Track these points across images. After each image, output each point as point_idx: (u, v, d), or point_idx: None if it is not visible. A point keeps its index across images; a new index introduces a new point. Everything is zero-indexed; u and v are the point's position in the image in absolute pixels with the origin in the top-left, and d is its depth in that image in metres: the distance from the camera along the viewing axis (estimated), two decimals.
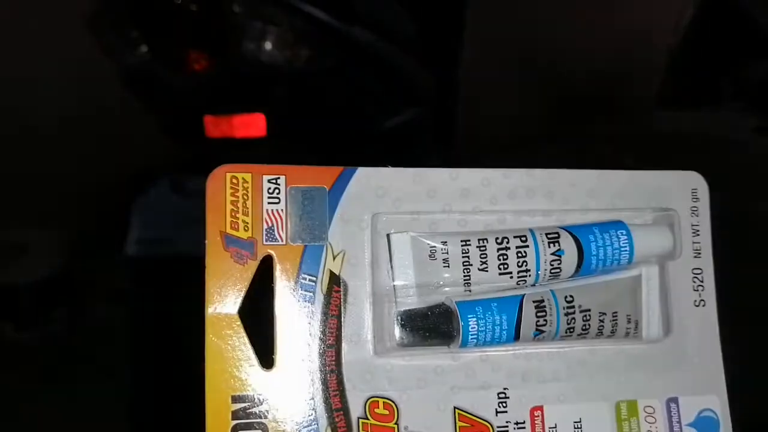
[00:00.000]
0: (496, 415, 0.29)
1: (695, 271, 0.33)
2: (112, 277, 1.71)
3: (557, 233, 0.30)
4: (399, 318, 0.28)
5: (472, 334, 0.28)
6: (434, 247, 0.28)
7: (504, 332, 0.28)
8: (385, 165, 0.32)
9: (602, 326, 0.30)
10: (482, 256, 0.28)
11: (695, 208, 0.35)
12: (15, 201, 1.73)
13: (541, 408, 0.29)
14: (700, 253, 0.34)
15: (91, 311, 1.71)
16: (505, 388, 0.29)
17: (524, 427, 0.29)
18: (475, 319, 0.28)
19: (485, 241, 0.29)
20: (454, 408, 0.28)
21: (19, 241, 1.64)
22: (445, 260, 0.28)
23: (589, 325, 0.30)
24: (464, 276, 0.28)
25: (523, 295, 0.29)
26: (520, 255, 0.29)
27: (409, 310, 0.28)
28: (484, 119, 2.59)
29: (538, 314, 0.29)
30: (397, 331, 0.28)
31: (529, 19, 2.74)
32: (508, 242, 0.29)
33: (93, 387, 1.43)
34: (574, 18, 2.99)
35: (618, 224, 0.31)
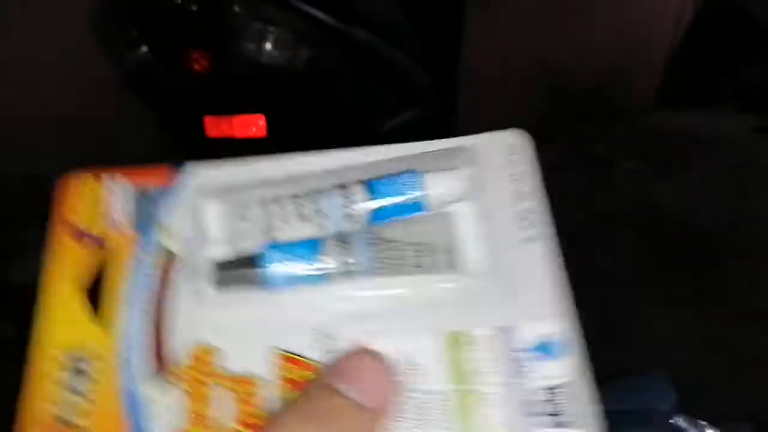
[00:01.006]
0: (323, 356, 0.30)
1: (521, 213, 0.34)
2: None
3: (344, 183, 0.32)
4: (212, 267, 0.31)
5: (274, 264, 0.30)
6: (238, 208, 0.32)
7: (307, 262, 0.30)
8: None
9: (420, 259, 0.31)
10: (281, 211, 0.31)
11: (513, 160, 0.37)
12: (15, 201, 1.73)
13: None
14: (525, 199, 0.35)
15: None
16: (328, 329, 0.30)
17: None
18: (275, 252, 0.30)
19: (281, 199, 0.32)
20: (277, 350, 0.29)
21: (19, 241, 1.64)
22: (247, 217, 0.32)
23: (403, 256, 0.31)
24: (267, 230, 0.31)
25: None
26: (311, 201, 0.31)
27: (219, 260, 0.31)
28: (484, 119, 2.57)
29: (341, 245, 0.30)
30: (214, 278, 0.31)
31: (528, 19, 2.74)
32: (301, 196, 0.32)
33: None
34: (573, 18, 3.00)
35: (408, 171, 0.33)
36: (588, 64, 3.36)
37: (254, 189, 0.33)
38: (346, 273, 0.30)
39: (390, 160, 0.34)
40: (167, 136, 1.04)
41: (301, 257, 0.30)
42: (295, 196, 0.32)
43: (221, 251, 0.32)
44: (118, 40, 0.94)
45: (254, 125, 0.94)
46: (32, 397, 0.30)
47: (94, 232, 0.32)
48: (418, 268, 0.31)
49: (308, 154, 0.34)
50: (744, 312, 0.67)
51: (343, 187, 0.32)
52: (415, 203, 0.32)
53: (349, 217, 0.31)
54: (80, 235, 0.32)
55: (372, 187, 0.32)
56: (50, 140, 1.69)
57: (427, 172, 0.33)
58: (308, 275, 0.30)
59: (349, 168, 0.33)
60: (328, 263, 0.30)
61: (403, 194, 0.32)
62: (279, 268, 0.30)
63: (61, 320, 0.30)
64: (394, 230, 0.32)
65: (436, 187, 0.32)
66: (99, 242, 0.32)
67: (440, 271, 0.31)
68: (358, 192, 0.32)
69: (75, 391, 0.30)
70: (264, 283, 0.30)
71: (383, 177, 0.32)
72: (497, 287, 0.31)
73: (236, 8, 0.86)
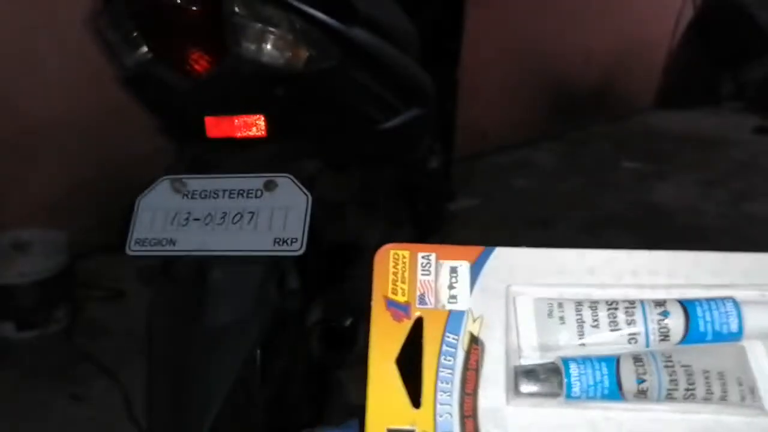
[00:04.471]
0: None
1: None
2: (112, 277, 1.72)
3: (664, 300, 0.32)
4: (516, 373, 0.32)
5: (573, 377, 0.31)
6: (552, 305, 0.33)
7: (605, 378, 0.31)
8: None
9: (710, 387, 0.31)
10: (594, 315, 0.32)
11: None
12: (15, 201, 1.73)
13: None
14: None
15: (91, 311, 1.72)
16: None
17: None
18: (575, 365, 0.31)
19: (596, 303, 0.32)
20: None
21: (19, 241, 1.65)
22: (561, 318, 0.32)
23: (694, 381, 0.31)
24: (578, 333, 0.32)
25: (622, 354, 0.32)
26: (628, 314, 0.32)
27: (523, 365, 0.32)
28: (484, 119, 2.58)
29: (636, 364, 0.31)
30: (518, 384, 0.32)
31: (528, 21, 2.73)
32: (617, 304, 0.32)
33: (93, 386, 1.43)
34: (573, 18, 2.98)
35: (727, 298, 0.32)
36: (588, 64, 3.35)
37: (563, 285, 0.34)
38: (640, 392, 0.31)
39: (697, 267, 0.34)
40: (167, 136, 1.04)
41: (600, 372, 0.31)
42: (611, 304, 0.32)
43: (528, 349, 0.33)
44: (118, 40, 0.94)
45: (254, 125, 0.94)
46: None
47: (407, 304, 0.33)
48: (710, 395, 0.31)
49: (610, 251, 0.34)
50: None
51: (661, 304, 0.32)
52: (729, 333, 0.32)
53: (661, 335, 0.32)
54: (398, 310, 0.33)
55: (690, 308, 0.32)
56: (50, 140, 1.69)
57: (747, 303, 0.32)
58: (604, 390, 0.31)
59: (653, 272, 0.34)
60: (625, 382, 0.31)
61: (720, 322, 0.32)
62: (578, 380, 0.31)
63: (385, 401, 0.32)
64: (688, 354, 0.32)
65: (755, 320, 0.32)
66: (410, 315, 0.33)
67: (735, 404, 0.31)
68: (675, 312, 0.32)
69: None
70: (563, 392, 0.31)
71: (702, 301, 0.32)
72: None
73: (236, 8, 0.86)
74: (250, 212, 0.90)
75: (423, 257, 0.34)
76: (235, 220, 0.91)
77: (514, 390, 0.31)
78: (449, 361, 0.31)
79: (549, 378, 0.31)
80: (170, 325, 0.87)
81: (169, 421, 0.81)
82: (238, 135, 0.95)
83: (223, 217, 0.91)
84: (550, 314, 0.32)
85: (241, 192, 0.92)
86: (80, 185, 1.74)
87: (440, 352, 0.32)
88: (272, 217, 0.90)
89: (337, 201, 1.06)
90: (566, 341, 0.32)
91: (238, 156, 0.96)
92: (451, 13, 1.58)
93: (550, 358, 0.32)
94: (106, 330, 1.53)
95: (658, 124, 3.23)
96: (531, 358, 0.32)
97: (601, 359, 0.31)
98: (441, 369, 0.31)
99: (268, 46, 0.88)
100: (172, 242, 0.90)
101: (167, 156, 1.01)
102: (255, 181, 0.92)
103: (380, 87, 1.04)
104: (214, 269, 0.91)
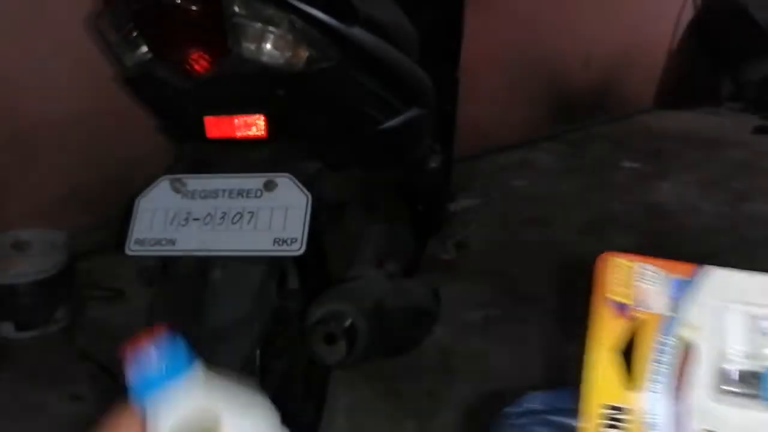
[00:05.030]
0: None
1: None
2: (112, 277, 1.72)
3: None
4: (722, 375, 0.36)
5: None
6: (756, 319, 0.36)
7: None
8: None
9: None
10: None
11: None
12: (15, 201, 1.73)
13: None
14: None
15: (91, 311, 1.71)
16: None
17: None
18: None
19: None
20: None
21: (19, 241, 1.65)
22: (764, 332, 0.36)
23: None
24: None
25: None
26: None
27: (728, 369, 0.36)
28: (483, 119, 2.58)
29: None
30: (723, 385, 0.36)
31: (528, 21, 2.73)
32: None
33: (93, 386, 1.43)
34: (573, 19, 2.98)
35: None
36: (588, 64, 3.34)
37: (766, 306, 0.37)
38: None
39: None
40: (167, 136, 1.04)
41: None
42: None
43: (734, 356, 0.36)
44: (118, 41, 0.94)
45: (254, 125, 0.94)
46: None
47: (628, 306, 0.38)
48: None
49: None
50: None
51: None
52: None
53: None
54: (618, 308, 0.38)
55: None
56: (50, 140, 1.69)
57: None
58: None
59: None
60: None
61: None
62: None
63: (603, 381, 0.37)
64: None
65: None
66: (631, 316, 0.37)
67: None
68: None
69: None
70: (762, 398, 0.35)
71: None
72: None
73: (236, 8, 0.86)
74: (249, 212, 0.90)
75: (641, 267, 0.39)
76: (234, 220, 0.91)
77: (718, 389, 0.35)
78: (663, 357, 0.36)
79: (751, 383, 0.35)
80: (170, 324, 0.87)
81: None
82: (238, 135, 0.95)
83: (222, 217, 0.91)
84: (754, 328, 0.36)
85: (241, 192, 0.92)
86: (80, 185, 1.74)
87: (655, 349, 0.36)
88: (272, 217, 0.90)
89: (337, 201, 1.06)
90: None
91: (238, 156, 0.96)
92: (451, 13, 1.58)
93: (754, 366, 0.36)
94: (106, 330, 1.52)
95: (658, 124, 3.22)
96: (737, 363, 0.36)
97: None
98: (654, 364, 0.36)
99: (268, 46, 0.88)
100: (171, 242, 0.90)
101: (167, 156, 1.01)
102: (255, 181, 0.92)
103: (380, 87, 1.04)
104: (214, 269, 0.91)
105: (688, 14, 3.42)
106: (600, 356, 0.37)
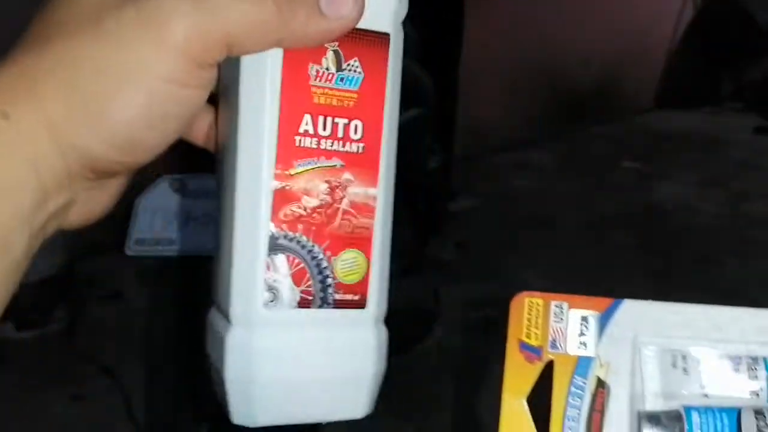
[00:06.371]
0: None
1: None
2: (112, 277, 1.72)
3: None
4: (640, 417, 0.34)
5: (695, 425, 0.33)
6: (676, 356, 0.35)
7: (726, 428, 0.33)
8: None
9: None
10: (717, 368, 0.35)
11: None
12: None
13: None
14: None
15: (91, 311, 1.71)
16: None
17: None
18: (697, 413, 0.33)
19: (721, 357, 0.35)
20: None
21: None
22: (685, 369, 0.35)
23: None
24: (701, 384, 0.34)
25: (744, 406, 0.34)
26: (751, 370, 0.34)
27: (647, 411, 0.35)
28: (484, 120, 2.58)
29: (758, 416, 0.33)
30: (642, 428, 0.34)
31: (528, 21, 2.74)
32: (740, 360, 0.35)
33: (93, 386, 1.43)
34: (573, 19, 2.99)
35: None
36: (588, 64, 3.35)
37: (687, 338, 0.36)
38: None
39: None
40: None
41: (721, 422, 0.33)
42: (735, 359, 0.35)
43: (652, 395, 0.35)
44: None
45: None
46: None
47: (542, 349, 0.36)
48: None
49: (736, 309, 0.36)
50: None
51: None
52: None
53: None
54: (531, 352, 0.37)
55: None
56: None
57: None
58: None
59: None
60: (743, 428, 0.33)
61: None
62: (700, 429, 0.33)
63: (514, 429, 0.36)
64: None
65: None
66: (541, 357, 0.36)
67: None
68: None
69: None
70: None
71: None
72: None
73: None
74: None
75: (556, 305, 0.37)
76: None
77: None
78: (577, 401, 0.35)
79: (671, 424, 0.33)
80: (170, 324, 0.87)
81: (170, 419, 0.81)
82: None
83: None
84: (674, 364, 0.35)
85: None
86: None
87: (568, 393, 0.35)
88: None
89: None
90: (689, 391, 0.34)
91: None
92: (451, 13, 1.58)
93: (672, 405, 0.34)
94: (106, 330, 1.53)
95: (658, 124, 3.22)
96: (654, 404, 0.35)
97: (723, 410, 0.33)
98: (569, 408, 0.35)
99: None
100: (171, 242, 0.90)
101: (167, 156, 1.01)
102: None
103: None
104: None
105: (688, 14, 3.42)
106: (513, 407, 0.36)
